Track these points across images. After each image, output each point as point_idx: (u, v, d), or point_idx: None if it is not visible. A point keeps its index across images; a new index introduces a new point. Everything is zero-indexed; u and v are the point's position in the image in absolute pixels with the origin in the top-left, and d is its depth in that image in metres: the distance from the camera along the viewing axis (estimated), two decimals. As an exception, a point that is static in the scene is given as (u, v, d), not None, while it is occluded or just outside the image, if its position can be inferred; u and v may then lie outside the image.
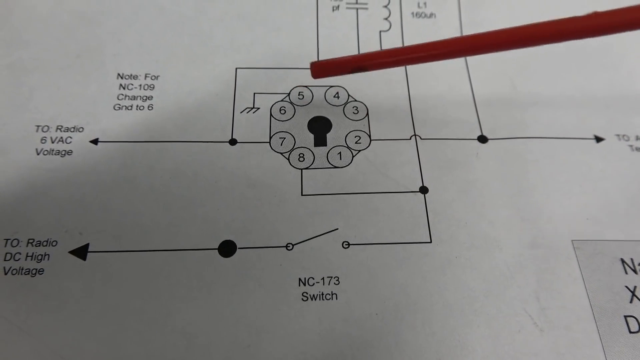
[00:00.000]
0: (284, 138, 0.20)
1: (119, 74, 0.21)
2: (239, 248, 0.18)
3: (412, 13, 0.24)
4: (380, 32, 0.23)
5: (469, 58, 0.22)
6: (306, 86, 0.21)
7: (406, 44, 0.23)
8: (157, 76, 0.21)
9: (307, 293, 0.17)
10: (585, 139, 0.21)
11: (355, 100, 0.21)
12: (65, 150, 0.19)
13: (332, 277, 0.17)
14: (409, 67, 0.22)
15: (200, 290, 0.17)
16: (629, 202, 0.19)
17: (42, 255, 0.17)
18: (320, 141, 0.20)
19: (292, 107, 0.21)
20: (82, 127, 0.20)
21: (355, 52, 0.22)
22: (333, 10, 0.23)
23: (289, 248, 0.18)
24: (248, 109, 0.21)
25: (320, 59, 0.22)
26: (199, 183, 0.19)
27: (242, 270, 0.17)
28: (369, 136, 0.20)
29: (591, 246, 0.18)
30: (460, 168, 0.20)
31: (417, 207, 0.19)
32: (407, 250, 0.18)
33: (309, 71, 0.22)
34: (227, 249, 0.18)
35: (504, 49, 0.16)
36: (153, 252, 0.18)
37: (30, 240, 0.17)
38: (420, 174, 0.19)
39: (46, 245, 0.17)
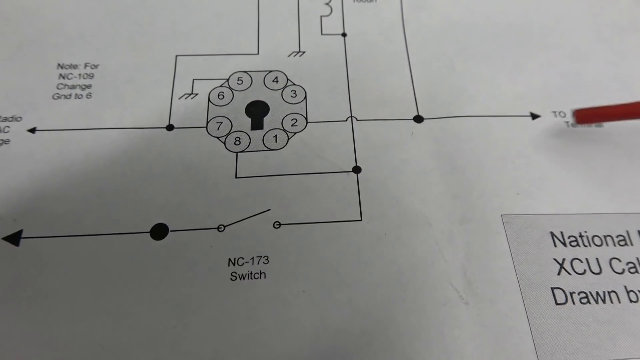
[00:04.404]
0: (221, 122, 0.20)
1: (59, 64, 0.21)
2: (171, 231, 0.18)
3: (354, -3, 0.24)
4: (321, 17, 0.23)
5: (408, 39, 0.23)
6: (245, 71, 0.22)
7: (347, 29, 0.23)
8: (97, 65, 0.21)
9: (235, 273, 0.17)
10: (521, 117, 0.21)
11: (294, 84, 0.21)
12: (2, 140, 0.19)
13: (261, 256, 0.17)
14: (348, 47, 0.22)
15: (131, 273, 0.17)
16: (563, 176, 0.19)
17: (-26, 242, 0.17)
18: (256, 125, 0.20)
19: (231, 92, 0.21)
20: (20, 117, 0.20)
21: (295, 38, 0.22)
22: (274, -5, 0.23)
23: (220, 229, 0.18)
24: (186, 95, 0.21)
25: (260, 46, 0.22)
26: (134, 168, 0.19)
27: (173, 252, 0.17)
28: (306, 119, 0.21)
29: (521, 220, 0.18)
30: (394, 148, 0.20)
31: (349, 187, 0.19)
32: (337, 228, 0.18)
33: (248, 56, 0.22)
34: (159, 232, 0.18)
35: None
36: (86, 237, 0.18)
37: (-37, 228, 0.18)
38: (354, 154, 0.20)
39: (-21, 233, 0.18)
